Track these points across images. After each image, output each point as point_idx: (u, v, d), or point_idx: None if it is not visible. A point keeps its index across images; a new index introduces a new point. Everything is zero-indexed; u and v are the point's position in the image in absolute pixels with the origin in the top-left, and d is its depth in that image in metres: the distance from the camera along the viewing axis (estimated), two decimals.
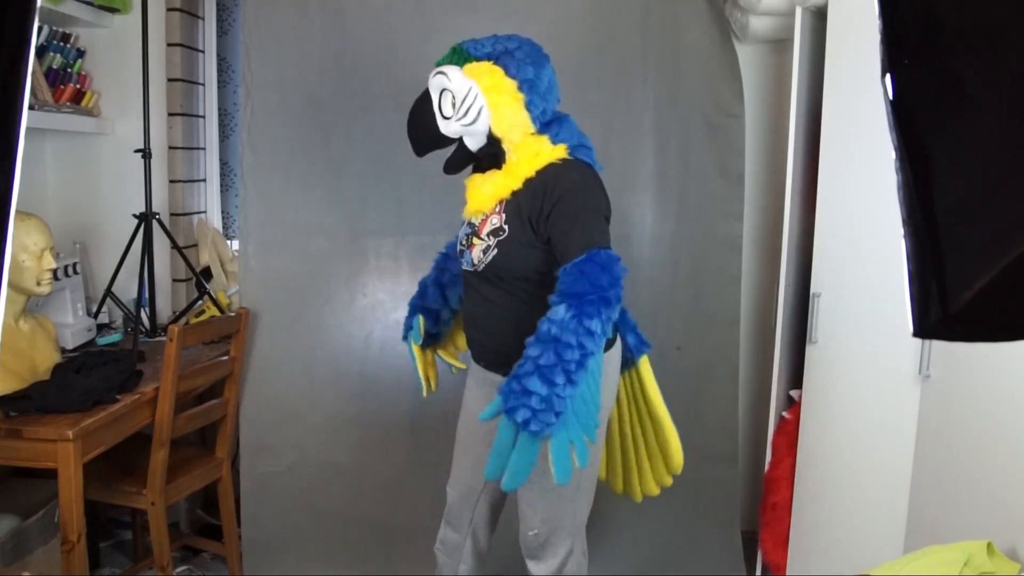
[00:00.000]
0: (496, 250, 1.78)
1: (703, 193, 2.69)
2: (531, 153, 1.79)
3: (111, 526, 2.91)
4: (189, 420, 2.36)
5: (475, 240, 1.83)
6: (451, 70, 1.78)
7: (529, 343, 1.58)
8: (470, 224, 1.87)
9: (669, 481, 2.13)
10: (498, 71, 1.76)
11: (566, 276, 1.62)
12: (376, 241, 2.65)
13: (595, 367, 1.61)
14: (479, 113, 1.77)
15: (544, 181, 1.75)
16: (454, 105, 1.78)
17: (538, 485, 1.86)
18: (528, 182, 1.77)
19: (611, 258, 1.63)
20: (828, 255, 2.21)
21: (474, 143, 1.82)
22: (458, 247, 1.93)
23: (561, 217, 1.71)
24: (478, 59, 1.78)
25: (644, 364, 2.00)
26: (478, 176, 1.85)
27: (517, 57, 1.79)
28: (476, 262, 1.82)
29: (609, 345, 1.88)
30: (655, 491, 2.16)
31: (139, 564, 2.63)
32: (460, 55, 1.81)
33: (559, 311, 1.58)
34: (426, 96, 1.83)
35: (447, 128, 1.81)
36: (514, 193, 1.79)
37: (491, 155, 1.82)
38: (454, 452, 2.12)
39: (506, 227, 1.79)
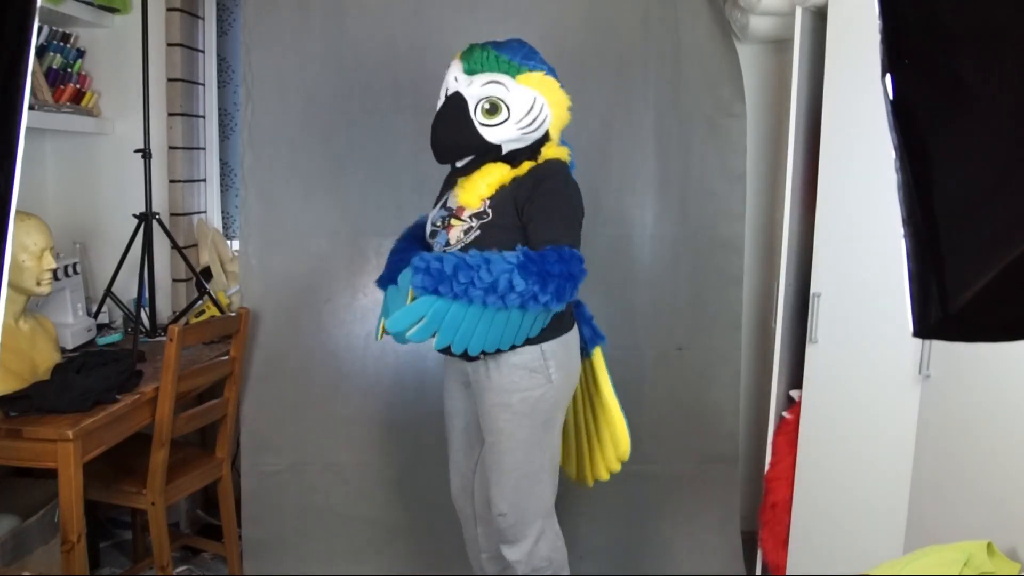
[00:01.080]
0: (479, 231, 1.88)
1: (704, 193, 2.69)
2: (552, 151, 1.93)
3: (111, 526, 2.91)
4: (189, 420, 2.36)
5: (454, 222, 1.92)
6: (505, 79, 1.86)
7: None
8: (446, 208, 1.96)
9: (617, 467, 2.19)
10: (555, 83, 1.90)
11: (530, 252, 1.78)
12: (376, 241, 2.65)
13: (492, 318, 1.76)
14: (544, 122, 1.89)
15: (538, 173, 1.89)
16: (503, 112, 1.86)
17: (502, 467, 1.96)
18: (528, 171, 1.90)
19: (573, 256, 1.79)
20: (828, 255, 2.21)
21: (514, 145, 1.91)
22: (430, 228, 2.00)
23: (542, 209, 1.85)
24: (530, 69, 1.88)
25: (597, 355, 2.11)
26: (489, 167, 1.91)
27: (549, 66, 1.93)
28: (455, 241, 1.90)
29: (563, 330, 1.96)
30: (605, 476, 2.22)
31: (139, 564, 2.63)
32: (506, 64, 1.87)
33: (508, 253, 1.76)
34: (461, 103, 1.88)
35: (493, 135, 1.88)
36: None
37: (519, 153, 1.91)
38: (449, 450, 2.20)
39: (490, 211, 1.89)
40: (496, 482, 1.98)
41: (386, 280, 1.99)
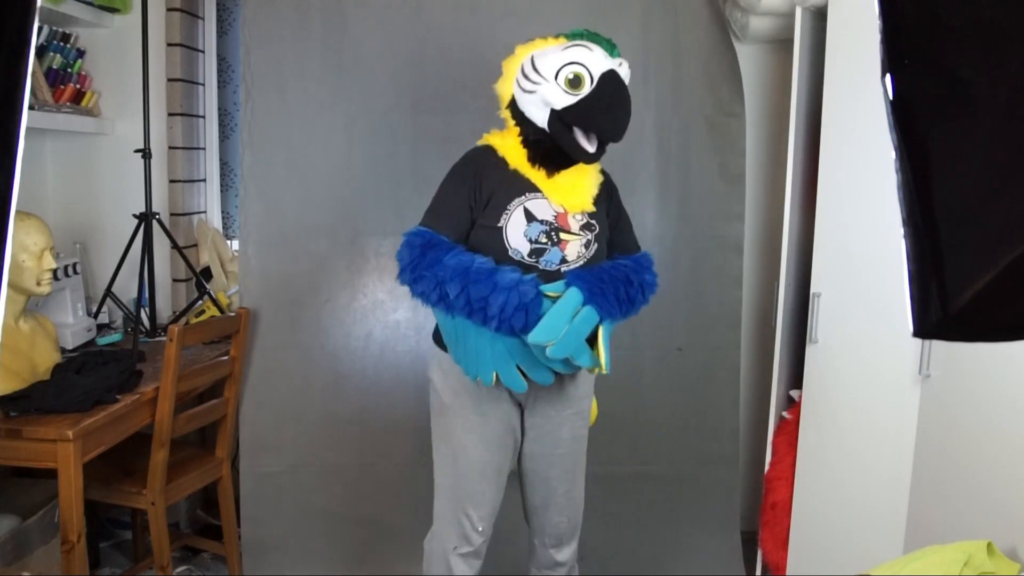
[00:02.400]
0: (596, 244, 1.82)
1: (704, 193, 2.69)
2: None
3: (111, 526, 2.91)
4: (189, 420, 2.36)
5: (566, 236, 1.77)
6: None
7: (601, 264, 1.80)
8: (541, 222, 1.76)
9: None
10: None
11: (631, 259, 1.87)
12: (376, 241, 2.65)
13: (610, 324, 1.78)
14: None
15: (605, 176, 1.91)
16: None
17: (575, 475, 1.97)
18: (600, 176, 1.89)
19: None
20: (828, 255, 2.21)
21: None
22: (528, 245, 1.75)
23: (623, 213, 1.95)
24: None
25: None
26: (571, 171, 1.80)
27: None
28: (574, 257, 1.78)
29: None
30: None
31: (139, 564, 2.63)
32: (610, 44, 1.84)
33: (627, 260, 1.85)
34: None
35: None
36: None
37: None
38: (475, 484, 1.91)
39: (594, 221, 1.83)
40: (567, 491, 1.98)
41: (533, 323, 1.66)
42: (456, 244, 1.76)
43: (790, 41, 2.36)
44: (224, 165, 3.12)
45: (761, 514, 2.48)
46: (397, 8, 2.62)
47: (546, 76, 1.71)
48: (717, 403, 2.73)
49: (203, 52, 3.03)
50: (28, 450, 1.93)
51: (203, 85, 3.05)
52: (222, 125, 3.10)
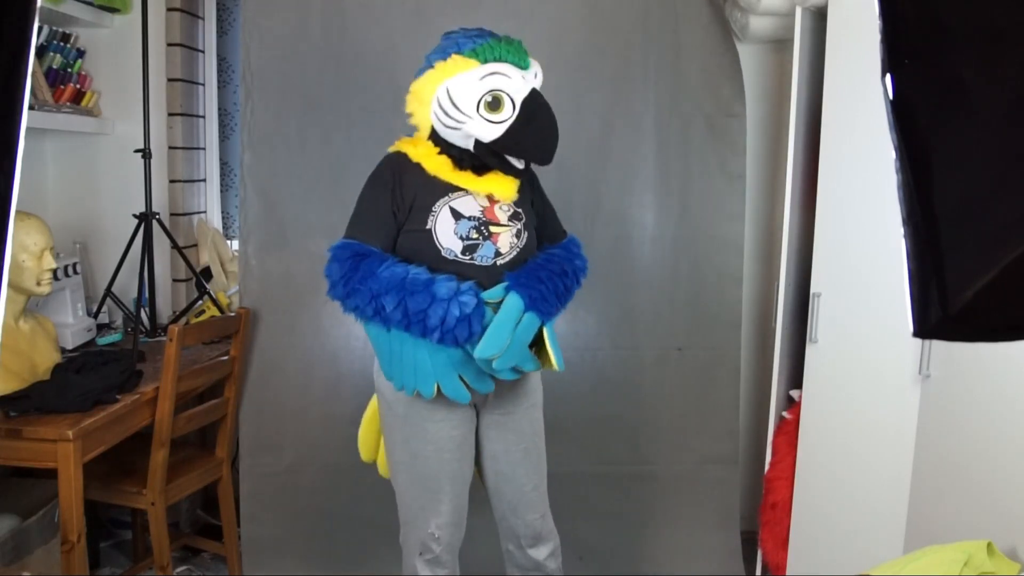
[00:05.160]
0: (526, 232, 1.83)
1: (704, 193, 2.69)
2: None
3: (111, 526, 2.91)
4: (189, 420, 2.36)
5: (495, 229, 1.76)
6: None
7: (535, 256, 1.81)
8: (469, 218, 1.75)
9: None
10: None
11: (560, 247, 1.89)
12: None
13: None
14: None
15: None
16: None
17: (540, 468, 1.95)
18: None
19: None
20: (828, 255, 2.21)
21: None
22: (460, 243, 1.74)
23: (546, 201, 1.97)
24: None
25: None
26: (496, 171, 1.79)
27: None
28: (507, 249, 1.77)
29: None
30: None
31: (139, 564, 2.63)
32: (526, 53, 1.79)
33: (557, 249, 1.87)
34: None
35: None
36: None
37: None
38: (433, 492, 1.88)
39: (520, 210, 1.84)
40: (535, 485, 1.95)
41: (477, 333, 1.67)
42: (386, 254, 1.74)
43: (790, 41, 2.36)
44: (224, 165, 3.12)
45: (761, 514, 2.48)
46: (397, 8, 2.62)
47: (468, 112, 1.69)
48: (717, 403, 2.73)
49: (203, 52, 3.03)
50: (28, 450, 1.93)
51: (203, 85, 3.05)
52: (222, 125, 3.10)
